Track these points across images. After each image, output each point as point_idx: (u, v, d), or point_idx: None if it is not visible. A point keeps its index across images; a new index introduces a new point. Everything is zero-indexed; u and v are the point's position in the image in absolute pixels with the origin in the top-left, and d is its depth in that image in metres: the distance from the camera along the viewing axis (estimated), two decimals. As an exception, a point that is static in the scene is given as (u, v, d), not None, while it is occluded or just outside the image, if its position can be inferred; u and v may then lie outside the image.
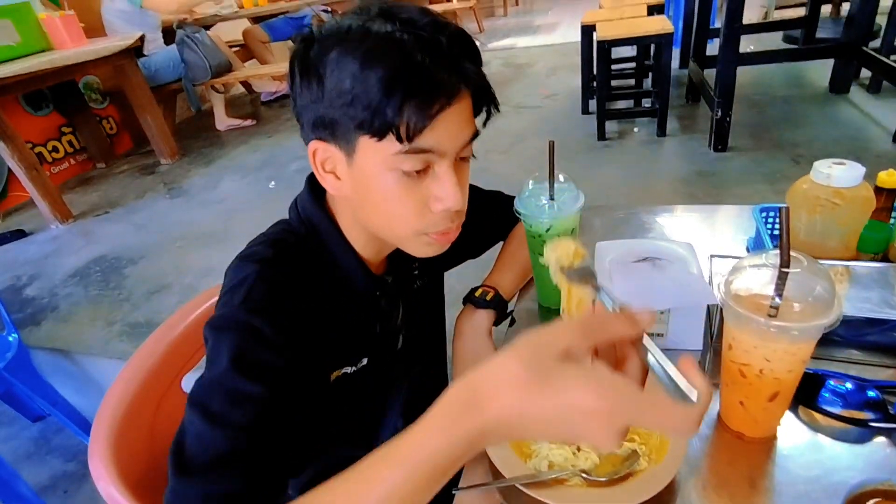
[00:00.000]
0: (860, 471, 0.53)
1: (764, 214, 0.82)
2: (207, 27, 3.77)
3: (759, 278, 0.51)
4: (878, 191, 0.71)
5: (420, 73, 0.49)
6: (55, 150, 3.51)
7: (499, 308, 0.80)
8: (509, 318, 0.83)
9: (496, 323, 0.81)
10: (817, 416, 0.59)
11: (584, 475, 0.54)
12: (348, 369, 0.64)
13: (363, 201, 0.58)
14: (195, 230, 2.60)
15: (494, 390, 0.35)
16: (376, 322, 0.69)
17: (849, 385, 0.59)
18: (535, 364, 0.34)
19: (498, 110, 0.58)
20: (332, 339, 0.61)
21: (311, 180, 0.66)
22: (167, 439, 0.76)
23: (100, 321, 2.01)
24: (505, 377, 0.34)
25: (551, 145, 0.70)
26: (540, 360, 0.34)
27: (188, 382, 0.82)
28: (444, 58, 0.51)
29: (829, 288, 0.48)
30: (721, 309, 0.66)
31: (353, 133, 0.52)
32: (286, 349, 0.54)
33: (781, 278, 0.48)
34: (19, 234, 2.83)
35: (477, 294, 0.80)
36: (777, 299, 0.48)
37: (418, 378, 0.81)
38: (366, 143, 0.53)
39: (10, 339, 1.76)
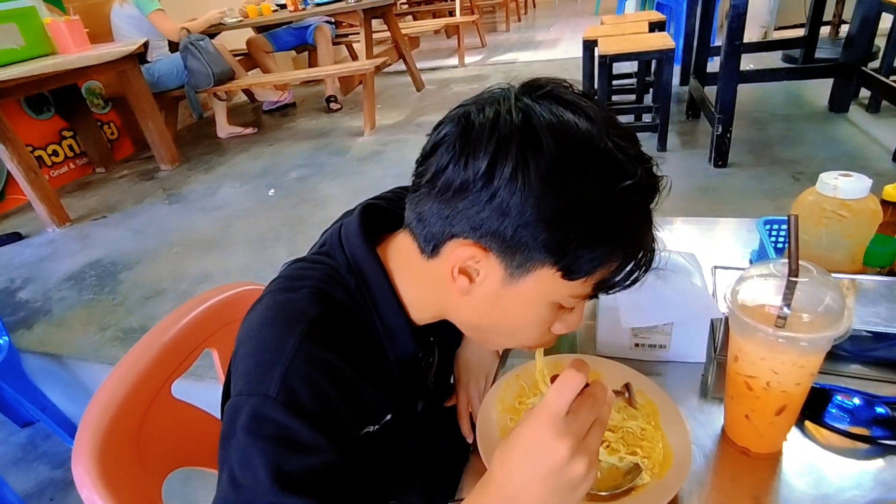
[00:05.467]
0: (869, 490, 0.52)
1: (768, 227, 0.81)
2: (212, 35, 3.79)
3: (766, 288, 0.50)
4: (885, 204, 0.70)
5: (651, 248, 0.48)
6: (55, 153, 3.51)
7: None
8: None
9: None
10: (824, 432, 0.58)
11: (584, 489, 0.52)
12: (371, 428, 0.57)
13: (490, 310, 0.51)
14: (193, 236, 2.58)
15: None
16: (410, 381, 0.63)
17: (857, 400, 0.57)
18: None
19: None
20: (365, 405, 0.55)
21: (364, 215, 0.58)
22: (154, 447, 0.74)
23: (93, 326, 1.98)
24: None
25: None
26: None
27: (179, 389, 0.80)
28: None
29: (838, 298, 0.47)
30: (725, 321, 0.65)
31: (541, 264, 0.45)
32: (328, 444, 0.47)
33: (790, 288, 0.46)
34: (15, 237, 2.82)
35: None
36: (786, 309, 0.47)
37: (435, 424, 0.77)
38: (547, 274, 0.46)
39: (1, 342, 1.73)
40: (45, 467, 1.73)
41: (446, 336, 0.67)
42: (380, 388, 0.57)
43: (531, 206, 0.42)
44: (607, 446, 0.55)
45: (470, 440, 0.70)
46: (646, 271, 0.48)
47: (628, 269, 0.47)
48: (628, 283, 0.48)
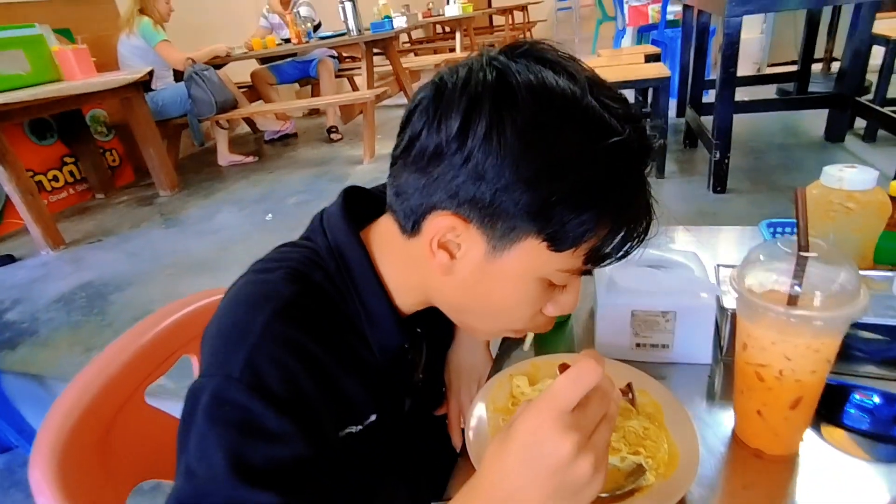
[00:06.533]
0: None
1: (772, 229, 0.79)
2: (217, 67, 3.87)
3: (774, 269, 0.47)
4: (893, 201, 0.67)
5: (643, 214, 0.44)
6: (55, 179, 3.51)
7: None
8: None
9: None
10: (843, 433, 0.53)
11: (582, 491, 0.47)
12: (353, 428, 0.53)
13: (473, 289, 0.47)
14: (188, 259, 2.55)
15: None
16: (396, 376, 0.58)
17: (876, 399, 0.53)
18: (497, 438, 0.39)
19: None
20: (344, 399, 0.51)
21: (347, 197, 0.55)
22: (122, 454, 0.69)
23: (78, 346, 1.93)
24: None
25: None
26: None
27: (151, 393, 0.76)
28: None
29: (853, 276, 0.43)
30: (732, 316, 0.61)
31: (526, 234, 0.42)
32: (297, 434, 0.43)
33: (801, 264, 0.43)
34: (8, 260, 2.78)
35: None
36: (797, 288, 0.43)
37: (424, 427, 0.73)
38: (533, 246, 0.43)
39: (-19, 361, 1.68)
40: (21, 494, 1.65)
41: (436, 331, 0.63)
42: (362, 383, 0.52)
43: (508, 166, 0.40)
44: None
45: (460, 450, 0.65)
46: (640, 242, 0.45)
47: (620, 237, 0.43)
48: (621, 254, 0.45)
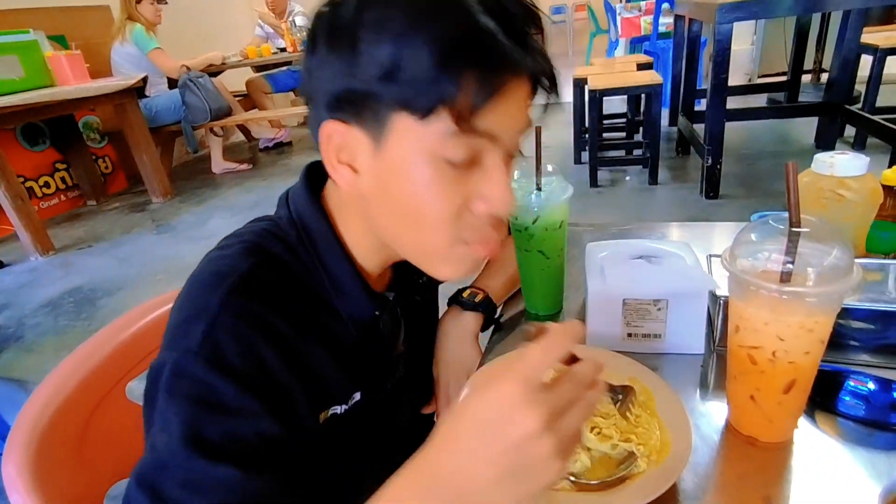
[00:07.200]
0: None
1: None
2: (213, 74, 3.87)
3: (766, 249, 0.46)
4: (885, 190, 0.67)
5: (485, 40, 0.40)
6: (46, 185, 3.49)
7: (487, 312, 0.74)
8: (496, 323, 0.77)
9: (483, 328, 0.75)
10: (838, 421, 0.52)
11: (571, 479, 0.46)
12: (338, 409, 0.52)
13: (385, 199, 0.46)
14: (179, 264, 2.53)
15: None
16: (373, 350, 0.57)
17: (871, 385, 0.52)
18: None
19: (558, 96, 0.48)
20: (319, 376, 0.49)
21: (309, 171, 0.55)
22: (98, 449, 0.67)
23: (64, 351, 1.88)
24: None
25: (538, 131, 0.66)
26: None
27: (132, 390, 0.74)
28: (511, 26, 0.41)
29: (845, 252, 0.42)
30: (724, 306, 0.60)
31: (390, 111, 0.42)
32: (260, 409, 0.42)
33: (792, 240, 0.42)
34: (-4, 265, 2.76)
35: (465, 295, 0.74)
36: (789, 265, 0.42)
37: (415, 411, 0.72)
38: (404, 124, 0.42)
39: (-36, 364, 1.64)
40: (4, 502, 1.61)
41: (411, 299, 0.63)
42: (337, 359, 0.52)
43: (346, 53, 0.42)
44: (598, 433, 0.49)
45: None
46: (502, 82, 0.41)
47: (483, 83, 0.40)
48: (495, 84, 0.41)
